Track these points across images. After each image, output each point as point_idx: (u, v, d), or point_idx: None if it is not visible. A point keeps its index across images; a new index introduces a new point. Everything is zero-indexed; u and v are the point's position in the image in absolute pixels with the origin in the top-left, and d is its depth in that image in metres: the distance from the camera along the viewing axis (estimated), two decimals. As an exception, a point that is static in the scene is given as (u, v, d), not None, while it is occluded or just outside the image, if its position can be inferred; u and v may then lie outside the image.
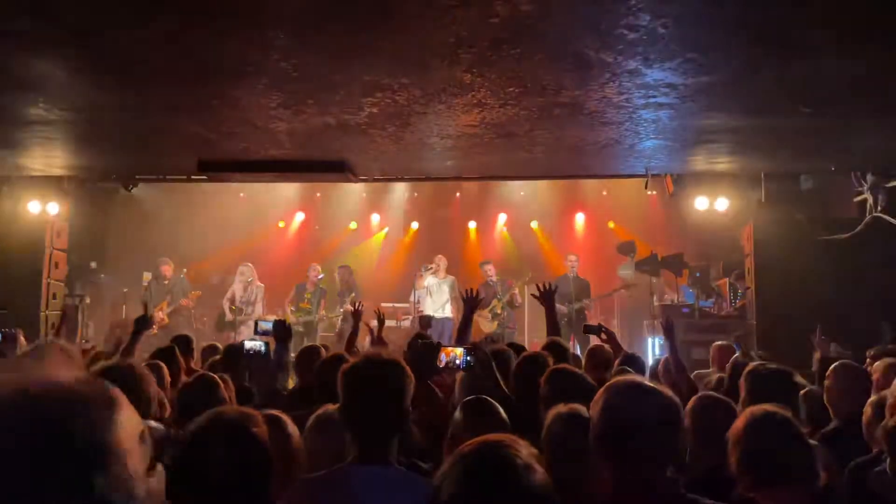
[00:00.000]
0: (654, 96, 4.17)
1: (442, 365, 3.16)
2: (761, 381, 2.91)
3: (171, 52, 3.58)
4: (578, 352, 6.37)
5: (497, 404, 2.48)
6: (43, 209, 7.40)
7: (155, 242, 9.77)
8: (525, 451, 1.15)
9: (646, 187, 7.13)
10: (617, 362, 4.02)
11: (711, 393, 2.89)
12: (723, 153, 5.93)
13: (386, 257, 11.59)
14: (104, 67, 3.82)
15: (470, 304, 4.01)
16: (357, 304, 5.37)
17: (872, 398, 2.91)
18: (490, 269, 9.25)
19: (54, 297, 7.68)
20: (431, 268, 9.24)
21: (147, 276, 9.33)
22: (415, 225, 11.57)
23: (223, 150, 5.79)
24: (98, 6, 3.01)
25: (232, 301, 9.06)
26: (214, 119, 4.92)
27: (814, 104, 4.38)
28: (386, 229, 11.74)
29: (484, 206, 11.44)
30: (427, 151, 5.78)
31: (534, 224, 11.38)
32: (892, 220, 6.17)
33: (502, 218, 11.58)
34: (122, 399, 0.80)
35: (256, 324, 4.43)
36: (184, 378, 4.03)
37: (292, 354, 4.10)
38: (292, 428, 1.93)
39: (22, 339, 4.61)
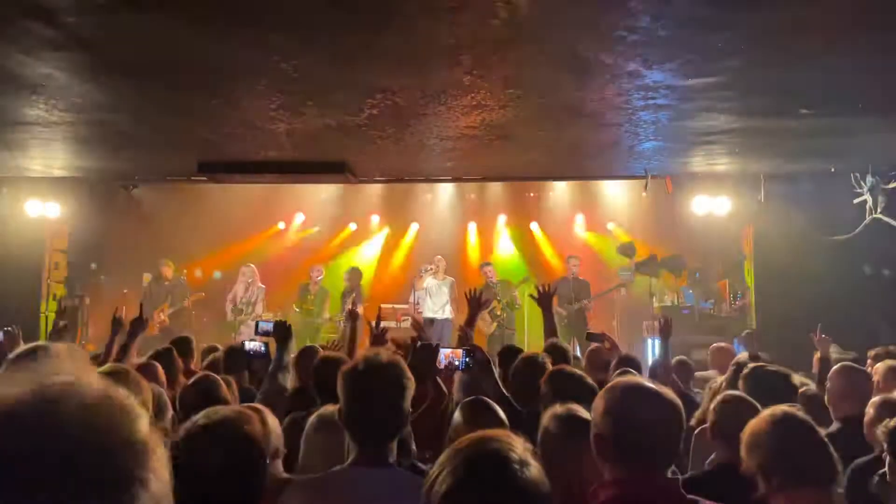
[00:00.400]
0: (654, 98, 4.18)
1: (441, 366, 3.16)
2: (759, 383, 2.91)
3: (171, 54, 3.59)
4: (578, 353, 6.37)
5: (496, 405, 2.48)
6: (43, 210, 7.41)
7: (155, 244, 9.77)
8: (520, 446, 1.15)
9: (645, 189, 7.13)
10: (613, 365, 4.02)
11: (737, 393, 2.87)
12: (722, 154, 5.94)
13: (386, 259, 11.58)
14: (105, 69, 3.82)
15: (474, 305, 4.00)
16: (353, 306, 5.37)
17: (874, 399, 2.92)
18: (490, 271, 9.25)
19: (54, 297, 7.69)
20: (431, 268, 9.24)
21: (147, 277, 9.34)
22: (415, 226, 11.57)
23: (223, 152, 5.80)
24: (99, 8, 3.01)
25: (233, 302, 9.07)
26: (214, 120, 4.93)
27: (813, 106, 4.39)
28: (386, 230, 11.74)
29: (484, 208, 11.44)
30: (427, 153, 5.78)
31: (533, 226, 11.38)
32: (891, 222, 6.17)
33: (502, 219, 11.58)
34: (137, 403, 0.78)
35: (257, 324, 4.42)
36: (182, 379, 4.03)
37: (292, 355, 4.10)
38: (272, 420, 1.91)
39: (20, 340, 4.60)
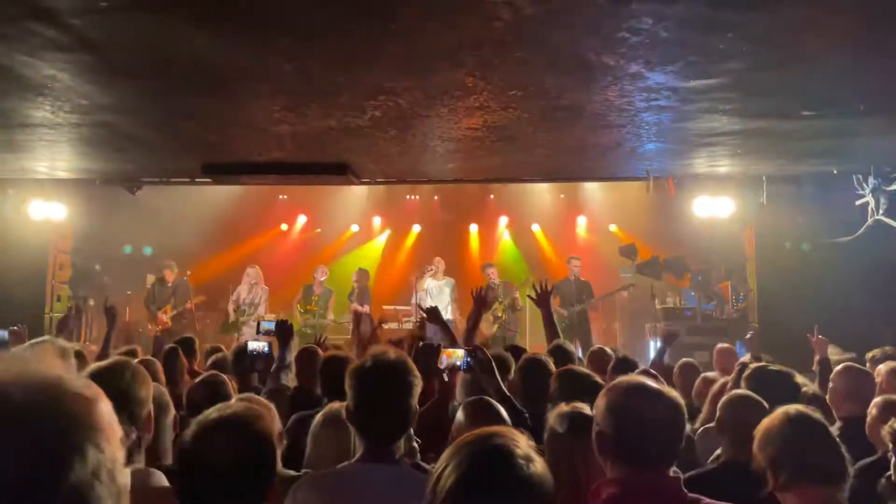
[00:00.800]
0: (656, 99, 4.19)
1: (443, 366, 3.17)
2: (763, 383, 2.91)
3: (176, 56, 3.60)
4: (581, 354, 6.37)
5: (498, 404, 2.49)
6: (47, 212, 7.43)
7: (158, 245, 9.80)
8: (524, 442, 1.17)
9: (647, 191, 7.13)
10: (610, 367, 4.00)
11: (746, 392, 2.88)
12: (724, 156, 5.94)
13: (388, 260, 11.60)
14: (109, 70, 3.84)
15: (479, 302, 4.00)
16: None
17: (876, 399, 2.92)
18: (492, 272, 9.27)
19: (58, 298, 7.71)
20: (431, 269, 9.27)
21: (150, 278, 9.36)
22: (416, 228, 11.59)
23: (226, 153, 5.82)
24: (103, 9, 3.03)
25: (237, 303, 9.09)
26: (218, 122, 4.94)
27: (815, 107, 4.39)
28: (387, 232, 11.75)
29: (485, 210, 11.46)
30: (429, 154, 5.80)
31: (535, 227, 11.39)
32: (893, 224, 6.17)
33: (503, 221, 11.59)
34: (100, 392, 0.80)
35: (259, 324, 4.44)
36: (186, 379, 4.05)
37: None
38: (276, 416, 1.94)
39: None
